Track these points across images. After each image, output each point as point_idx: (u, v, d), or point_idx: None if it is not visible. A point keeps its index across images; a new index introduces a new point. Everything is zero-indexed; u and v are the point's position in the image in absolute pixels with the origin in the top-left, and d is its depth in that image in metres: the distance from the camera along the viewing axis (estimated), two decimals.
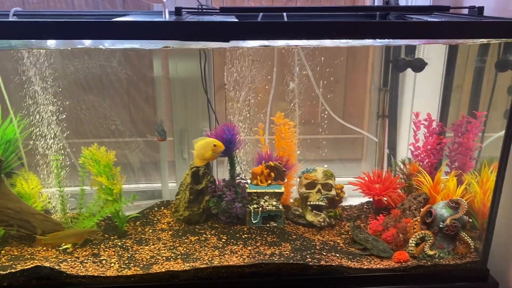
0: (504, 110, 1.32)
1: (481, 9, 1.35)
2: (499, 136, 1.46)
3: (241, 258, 1.34)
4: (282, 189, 1.54)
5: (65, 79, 1.61)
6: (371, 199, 1.64)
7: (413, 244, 1.36)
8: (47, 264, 1.29)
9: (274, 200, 1.52)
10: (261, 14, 1.33)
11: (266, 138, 1.68)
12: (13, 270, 1.26)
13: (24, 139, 1.54)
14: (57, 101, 1.56)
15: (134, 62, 1.71)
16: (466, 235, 1.37)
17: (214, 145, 1.43)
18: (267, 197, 1.53)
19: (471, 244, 1.36)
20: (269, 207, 1.51)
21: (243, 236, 1.45)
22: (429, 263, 1.33)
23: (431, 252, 1.35)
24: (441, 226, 1.35)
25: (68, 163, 1.60)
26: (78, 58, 1.62)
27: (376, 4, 1.82)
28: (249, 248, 1.39)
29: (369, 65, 1.88)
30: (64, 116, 1.58)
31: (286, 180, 1.60)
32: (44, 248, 1.40)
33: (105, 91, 1.71)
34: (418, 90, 1.69)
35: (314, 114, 1.81)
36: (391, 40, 1.26)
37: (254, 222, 1.50)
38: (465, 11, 1.42)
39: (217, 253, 1.36)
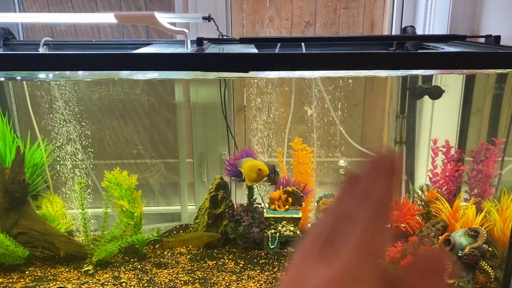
0: None
1: (497, 38, 1.36)
2: None
3: (258, 284, 1.35)
4: (300, 214, 1.55)
5: (90, 106, 1.68)
6: (388, 226, 1.63)
7: None
8: (69, 286, 1.33)
9: (292, 225, 1.54)
10: (279, 44, 1.37)
11: (284, 163, 1.70)
12: None
13: (50, 163, 1.60)
14: (83, 126, 1.63)
15: (157, 88, 1.77)
16: (486, 264, 1.35)
17: (259, 169, 1.45)
18: (284, 222, 1.54)
19: (491, 273, 1.35)
20: (286, 232, 1.52)
21: (261, 262, 1.46)
22: None
23: (450, 281, 1.34)
24: (460, 254, 1.34)
25: (91, 185, 1.65)
26: (103, 86, 1.68)
27: (393, 32, 1.85)
28: (266, 273, 1.40)
29: (387, 90, 1.89)
30: (89, 140, 1.64)
31: (303, 206, 1.61)
32: (67, 270, 1.44)
33: (128, 116, 1.77)
34: (436, 117, 1.69)
35: (332, 138, 1.83)
36: (409, 70, 1.28)
37: (271, 247, 1.52)
38: (481, 39, 1.44)
39: (235, 278, 1.38)
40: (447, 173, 1.55)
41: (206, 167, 1.79)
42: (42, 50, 1.50)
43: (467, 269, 1.35)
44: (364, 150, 1.83)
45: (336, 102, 1.77)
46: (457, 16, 1.61)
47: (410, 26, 1.65)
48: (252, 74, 1.29)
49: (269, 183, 1.55)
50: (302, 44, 1.40)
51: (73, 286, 1.33)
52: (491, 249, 1.41)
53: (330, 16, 1.94)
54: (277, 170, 1.52)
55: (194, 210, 1.74)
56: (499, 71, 1.36)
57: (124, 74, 1.30)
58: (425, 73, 1.51)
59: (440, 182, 1.58)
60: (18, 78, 1.42)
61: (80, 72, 1.29)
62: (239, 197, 1.76)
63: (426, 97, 1.60)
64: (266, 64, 1.13)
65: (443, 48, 1.34)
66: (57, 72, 1.31)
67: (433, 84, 1.55)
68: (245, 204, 1.59)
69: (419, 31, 1.74)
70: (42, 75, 1.30)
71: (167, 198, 1.90)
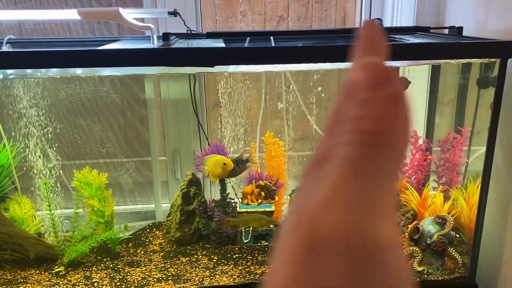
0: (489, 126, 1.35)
1: (460, 29, 1.39)
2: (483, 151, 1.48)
3: (232, 278, 1.35)
4: (273, 208, 1.56)
5: (57, 104, 1.65)
6: None
7: None
8: None
9: None
10: (248, 38, 1.37)
11: (257, 157, 1.70)
12: None
13: (17, 163, 1.57)
14: (50, 126, 1.60)
15: (126, 84, 1.74)
16: (454, 250, 1.38)
17: (224, 163, 1.46)
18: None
19: (458, 259, 1.38)
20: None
21: (234, 256, 1.46)
22: (418, 279, 1.34)
23: (420, 269, 1.36)
24: (428, 242, 1.36)
25: (60, 185, 1.62)
26: (69, 83, 1.65)
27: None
28: (240, 268, 1.40)
29: None
30: (56, 139, 1.61)
31: (276, 199, 1.62)
32: (37, 272, 1.42)
33: (97, 114, 1.75)
34: None
35: (307, 131, 1.84)
36: None
37: (245, 241, 1.52)
38: (446, 31, 1.46)
39: (208, 273, 1.38)
40: (416, 163, 1.58)
41: (179, 164, 1.78)
42: (5, 48, 1.46)
43: (436, 256, 1.38)
44: None
45: (310, 96, 1.78)
46: (423, 9, 1.64)
47: (377, 18, 1.67)
48: (219, 68, 1.29)
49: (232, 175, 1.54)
50: (271, 38, 1.40)
51: None
52: (458, 235, 1.44)
53: (302, 10, 1.95)
54: (243, 159, 1.51)
55: (168, 208, 1.73)
56: (465, 61, 1.39)
57: (87, 71, 1.28)
58: (391, 64, 1.53)
59: (409, 172, 1.60)
60: None
61: (44, 70, 1.27)
62: (212, 193, 1.76)
63: None
64: (231, 58, 1.13)
65: (408, 40, 1.36)
66: (20, 70, 1.29)
67: (399, 75, 1.57)
68: (217, 200, 1.59)
69: (387, 24, 1.76)
70: (4, 73, 1.27)
71: (142, 196, 1.89)
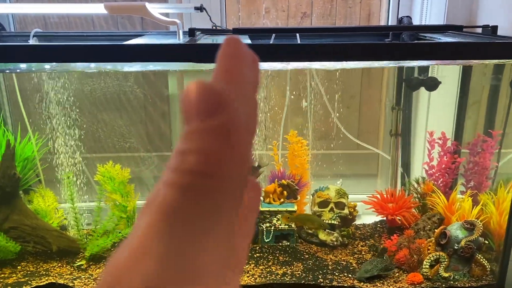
0: None
1: (494, 28, 1.34)
2: None
3: (253, 278, 1.33)
4: (295, 208, 1.54)
5: (82, 98, 1.65)
6: (384, 218, 1.62)
7: (427, 266, 1.34)
8: (61, 281, 1.31)
9: None
10: (274, 35, 1.34)
11: (280, 155, 1.68)
12: (28, 287, 1.29)
13: (41, 156, 1.58)
14: (75, 119, 1.60)
15: (150, 80, 1.74)
16: (482, 257, 1.34)
17: None
18: (279, 215, 1.52)
19: (487, 266, 1.34)
20: (281, 226, 1.51)
21: (255, 255, 1.45)
22: (443, 285, 1.31)
23: (446, 274, 1.33)
24: (456, 247, 1.33)
25: (84, 179, 1.63)
26: (94, 78, 1.66)
27: (390, 22, 1.83)
28: (260, 267, 1.39)
29: (384, 81, 1.87)
30: (81, 133, 1.62)
31: (299, 199, 1.60)
32: (59, 265, 1.43)
33: (120, 109, 1.75)
34: (433, 108, 1.68)
35: (329, 130, 1.81)
36: (405, 61, 1.26)
37: (266, 240, 1.50)
38: (479, 30, 1.41)
39: None
40: (443, 166, 1.53)
41: None
42: (32, 41, 1.47)
43: (463, 262, 1.34)
44: (360, 142, 1.82)
45: (332, 94, 1.75)
46: (454, 6, 1.59)
47: (407, 16, 1.63)
48: None
49: None
50: (297, 34, 1.38)
51: (65, 281, 1.32)
52: (487, 242, 1.40)
53: (326, 7, 1.92)
54: (254, 166, 1.49)
55: None
56: (495, 61, 1.34)
57: (113, 65, 1.28)
58: (421, 64, 1.49)
59: (436, 175, 1.56)
60: (7, 71, 1.40)
61: (71, 64, 1.26)
62: None
63: (422, 89, 1.58)
64: (258, 55, 1.10)
65: (439, 39, 1.32)
66: (46, 64, 1.29)
67: (429, 75, 1.53)
68: None
69: (416, 22, 1.71)
70: (29, 66, 1.28)
71: None
